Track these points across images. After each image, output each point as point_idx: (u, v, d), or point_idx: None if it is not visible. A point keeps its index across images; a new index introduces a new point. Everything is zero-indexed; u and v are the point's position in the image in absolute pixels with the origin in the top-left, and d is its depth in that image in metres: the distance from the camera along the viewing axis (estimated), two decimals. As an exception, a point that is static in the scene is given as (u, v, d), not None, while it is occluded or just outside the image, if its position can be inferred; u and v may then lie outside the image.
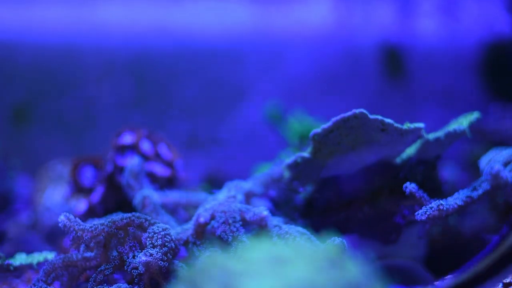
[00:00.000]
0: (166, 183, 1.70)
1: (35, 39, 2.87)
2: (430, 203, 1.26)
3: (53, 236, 1.85)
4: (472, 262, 1.31)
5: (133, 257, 1.23)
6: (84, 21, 2.84)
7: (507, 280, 1.14)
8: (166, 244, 1.21)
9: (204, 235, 1.31)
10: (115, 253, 1.24)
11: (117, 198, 1.66)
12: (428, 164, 1.46)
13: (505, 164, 1.32)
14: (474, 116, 1.42)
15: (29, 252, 1.46)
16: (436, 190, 1.45)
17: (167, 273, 1.21)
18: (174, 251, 1.24)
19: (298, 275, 0.76)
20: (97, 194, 1.68)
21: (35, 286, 1.23)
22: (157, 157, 1.73)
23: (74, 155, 1.99)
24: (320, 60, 2.84)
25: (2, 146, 2.71)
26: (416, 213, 1.26)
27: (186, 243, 1.31)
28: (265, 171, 1.53)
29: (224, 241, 1.26)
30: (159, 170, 1.71)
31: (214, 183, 2.12)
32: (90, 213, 1.65)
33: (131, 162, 1.53)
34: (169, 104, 2.86)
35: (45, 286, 1.23)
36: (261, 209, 1.30)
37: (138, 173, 1.52)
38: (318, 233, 1.29)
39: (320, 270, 0.77)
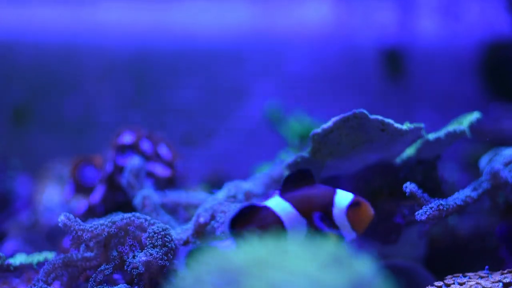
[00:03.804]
0: (166, 183, 1.70)
1: (35, 39, 2.87)
2: (430, 203, 1.26)
3: (53, 236, 1.85)
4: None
5: (133, 257, 1.23)
6: (84, 21, 2.84)
7: (507, 280, 1.14)
8: (166, 244, 1.21)
9: (204, 235, 1.31)
10: (115, 253, 1.24)
11: (117, 198, 1.66)
12: (428, 164, 1.46)
13: (505, 164, 1.32)
14: (474, 116, 1.42)
15: (29, 252, 1.46)
16: (436, 190, 1.45)
17: (167, 273, 1.21)
18: (174, 251, 1.24)
19: (302, 272, 0.76)
20: (97, 194, 1.68)
21: (35, 286, 1.23)
22: (157, 157, 1.73)
23: (74, 155, 1.99)
24: (320, 60, 2.84)
25: (2, 146, 2.71)
26: (416, 213, 1.26)
27: (186, 243, 1.31)
28: (265, 171, 1.53)
29: (224, 241, 1.26)
30: (159, 170, 1.71)
31: (214, 183, 2.12)
32: (90, 213, 1.64)
33: (132, 161, 1.53)
34: (169, 104, 2.86)
35: (45, 286, 1.23)
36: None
37: (139, 173, 1.52)
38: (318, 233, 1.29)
39: (324, 268, 0.77)
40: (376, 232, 1.45)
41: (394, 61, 2.73)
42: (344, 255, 0.81)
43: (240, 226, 1.16)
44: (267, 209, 1.17)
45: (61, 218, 1.22)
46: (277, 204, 1.17)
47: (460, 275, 1.20)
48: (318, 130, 1.32)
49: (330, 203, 1.16)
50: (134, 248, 1.24)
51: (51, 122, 2.86)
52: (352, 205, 1.15)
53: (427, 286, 1.19)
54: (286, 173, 1.44)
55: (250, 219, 1.17)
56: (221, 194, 1.39)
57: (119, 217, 1.25)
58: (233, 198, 1.37)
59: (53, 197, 2.09)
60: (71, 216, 1.23)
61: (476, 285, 1.15)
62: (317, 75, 2.83)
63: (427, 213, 1.24)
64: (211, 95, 2.87)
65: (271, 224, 1.16)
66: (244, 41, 2.87)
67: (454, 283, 1.17)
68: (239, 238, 1.16)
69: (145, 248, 1.21)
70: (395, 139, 1.33)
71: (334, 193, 1.16)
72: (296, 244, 0.82)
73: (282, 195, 1.18)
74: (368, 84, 2.78)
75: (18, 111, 2.81)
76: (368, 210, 1.15)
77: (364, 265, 0.81)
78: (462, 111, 1.48)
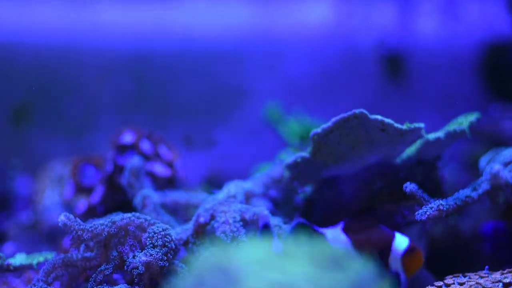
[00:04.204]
0: (166, 183, 1.70)
1: (35, 39, 2.87)
2: (430, 203, 1.26)
3: (53, 236, 1.85)
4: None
5: (133, 257, 1.23)
6: (84, 22, 2.84)
7: (507, 280, 1.14)
8: (166, 244, 1.21)
9: (204, 235, 1.31)
10: (115, 253, 1.24)
11: (117, 198, 1.66)
12: (428, 164, 1.46)
13: (505, 164, 1.32)
14: (474, 116, 1.42)
15: (29, 252, 1.46)
16: (436, 190, 1.45)
17: (167, 273, 1.21)
18: (174, 251, 1.24)
19: (301, 273, 0.76)
20: (97, 194, 1.68)
21: (35, 286, 1.23)
22: (157, 157, 1.73)
23: (74, 155, 1.99)
24: (320, 60, 2.84)
25: (2, 146, 2.71)
26: (416, 213, 1.26)
27: (186, 243, 1.31)
28: (265, 171, 1.53)
29: (224, 241, 1.26)
30: (159, 170, 1.71)
31: (214, 183, 2.12)
32: (90, 213, 1.65)
33: (132, 161, 1.53)
34: (169, 104, 2.86)
35: (45, 286, 1.23)
36: (261, 209, 1.30)
37: (139, 173, 1.52)
38: (318, 233, 1.29)
39: (322, 268, 0.77)
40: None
41: (394, 61, 2.73)
42: (343, 256, 0.81)
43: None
44: (322, 236, 1.24)
45: (61, 218, 1.22)
46: (335, 235, 1.24)
47: (460, 275, 1.20)
48: (318, 130, 1.32)
49: (388, 248, 1.24)
50: (134, 248, 1.24)
51: (51, 122, 2.86)
52: (408, 251, 1.23)
53: (427, 286, 1.19)
54: (287, 173, 1.45)
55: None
56: (221, 194, 1.39)
57: (119, 217, 1.25)
58: (233, 198, 1.37)
59: (53, 197, 2.09)
60: (71, 216, 1.23)
61: (476, 285, 1.15)
62: (317, 75, 2.82)
63: (427, 213, 1.24)
64: (211, 95, 2.87)
65: None
66: (244, 42, 2.87)
67: (454, 283, 1.17)
68: None
69: (145, 248, 1.21)
70: (395, 139, 1.33)
71: (392, 238, 1.24)
72: (296, 245, 0.82)
73: (344, 229, 1.25)
74: (368, 84, 2.78)
75: (18, 111, 2.81)
76: (421, 257, 1.24)
77: (364, 265, 0.81)
78: (462, 111, 1.48)
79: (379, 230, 1.26)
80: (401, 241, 1.24)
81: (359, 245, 1.23)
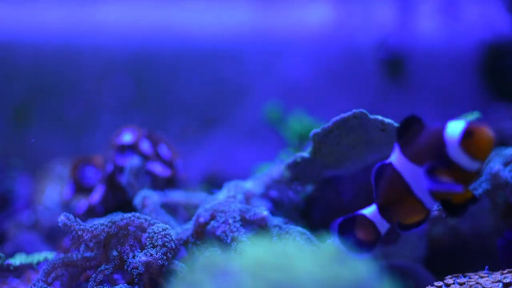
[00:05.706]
0: (166, 183, 1.70)
1: (35, 39, 2.87)
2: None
3: (53, 236, 1.86)
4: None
5: (133, 257, 1.23)
6: (84, 21, 2.84)
7: (507, 280, 1.14)
8: (166, 244, 1.21)
9: (204, 235, 1.31)
10: (115, 253, 1.24)
11: (117, 198, 1.66)
12: (428, 164, 1.46)
13: (505, 164, 1.32)
14: (474, 116, 1.42)
15: (29, 252, 1.46)
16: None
17: (167, 273, 1.22)
18: (174, 251, 1.24)
19: (302, 273, 0.76)
20: (97, 194, 1.68)
21: (35, 286, 1.23)
22: (157, 157, 1.73)
23: (74, 155, 1.99)
24: (320, 60, 2.84)
25: (2, 146, 2.71)
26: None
27: (186, 243, 1.31)
28: (265, 171, 1.53)
29: (224, 241, 1.26)
30: (159, 170, 1.71)
31: (214, 183, 2.12)
32: (90, 213, 1.65)
33: (132, 161, 1.53)
34: (168, 104, 2.86)
35: (45, 286, 1.23)
36: (261, 209, 1.30)
37: (139, 173, 1.52)
38: (318, 233, 1.29)
39: (324, 268, 0.77)
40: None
41: (394, 61, 2.73)
42: (344, 256, 0.81)
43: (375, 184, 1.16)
44: (391, 166, 1.12)
45: (61, 218, 1.22)
46: (396, 159, 1.11)
47: (460, 275, 1.20)
48: (318, 130, 1.32)
49: (441, 144, 1.04)
50: (134, 248, 1.24)
51: (51, 122, 2.86)
52: (465, 138, 1.02)
53: (427, 286, 1.20)
54: (287, 173, 1.44)
55: (380, 177, 1.16)
56: (221, 194, 1.39)
57: (119, 217, 1.25)
58: (233, 198, 1.37)
59: (53, 197, 2.09)
60: (71, 216, 1.23)
61: (476, 285, 1.15)
62: (317, 75, 2.83)
63: (427, 213, 1.24)
64: (211, 95, 2.87)
65: (394, 182, 1.13)
66: (244, 41, 2.87)
67: (454, 283, 1.17)
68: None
69: (145, 248, 1.21)
70: (395, 139, 1.33)
71: (442, 130, 1.04)
72: (296, 245, 0.82)
73: (401, 149, 1.11)
74: (368, 84, 2.78)
75: (18, 111, 2.81)
76: (485, 135, 1.01)
77: (364, 266, 0.81)
78: (463, 111, 1.48)
79: (427, 130, 1.06)
80: (453, 127, 1.03)
81: (417, 157, 1.06)
